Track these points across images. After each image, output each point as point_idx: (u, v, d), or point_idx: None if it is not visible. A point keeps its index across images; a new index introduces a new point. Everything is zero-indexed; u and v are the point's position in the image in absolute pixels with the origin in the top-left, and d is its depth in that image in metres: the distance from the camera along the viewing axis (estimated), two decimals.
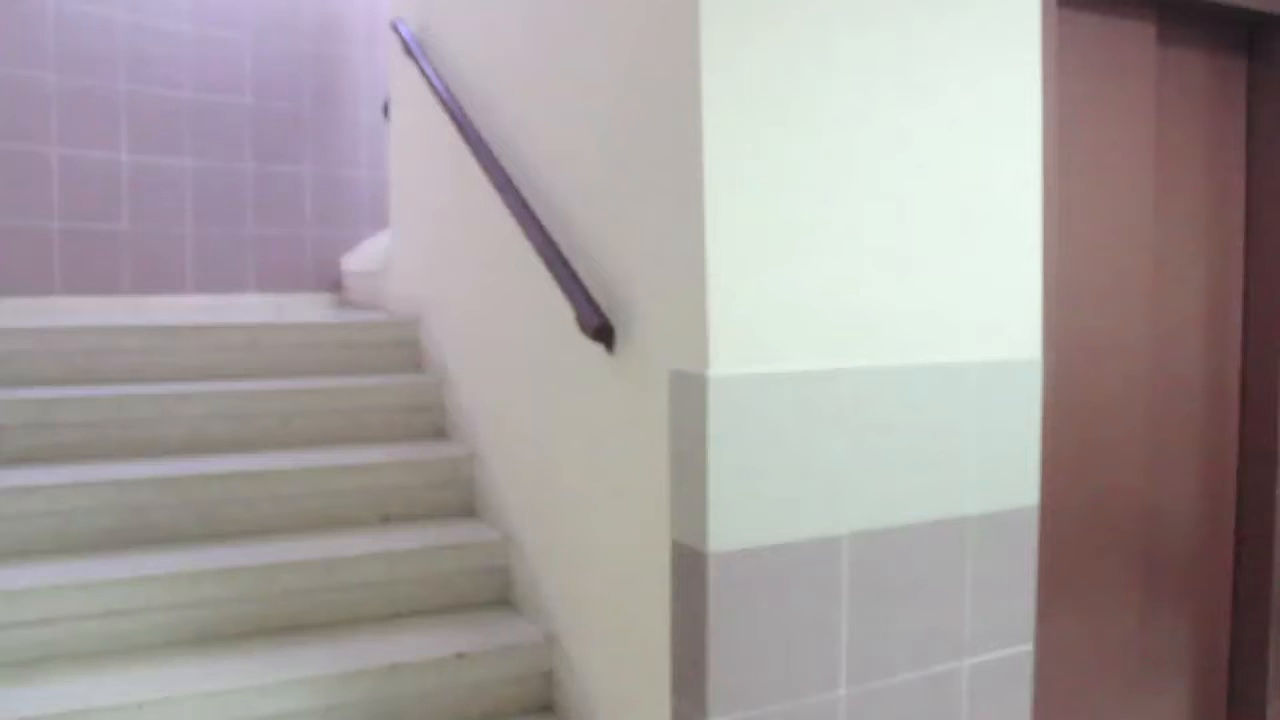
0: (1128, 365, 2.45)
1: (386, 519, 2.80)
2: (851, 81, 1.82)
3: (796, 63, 1.76)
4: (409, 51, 3.22)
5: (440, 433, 3.20)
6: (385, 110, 4.19)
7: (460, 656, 2.28)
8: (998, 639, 2.05)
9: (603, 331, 2.00)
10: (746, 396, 1.73)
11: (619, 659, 2.10)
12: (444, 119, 3.01)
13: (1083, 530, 2.40)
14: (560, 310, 2.24)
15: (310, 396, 3.00)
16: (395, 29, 3.47)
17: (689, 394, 1.75)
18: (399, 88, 3.73)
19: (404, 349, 3.39)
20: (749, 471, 1.74)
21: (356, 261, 5.60)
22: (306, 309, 4.11)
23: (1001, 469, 2.03)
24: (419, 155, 3.49)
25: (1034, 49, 2.03)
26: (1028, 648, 2.10)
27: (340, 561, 2.48)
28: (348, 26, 5.06)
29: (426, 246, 3.43)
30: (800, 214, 1.78)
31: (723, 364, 1.72)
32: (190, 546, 2.53)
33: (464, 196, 2.95)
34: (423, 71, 3.05)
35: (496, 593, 2.65)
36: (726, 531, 1.72)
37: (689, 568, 1.77)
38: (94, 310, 4.26)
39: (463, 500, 2.93)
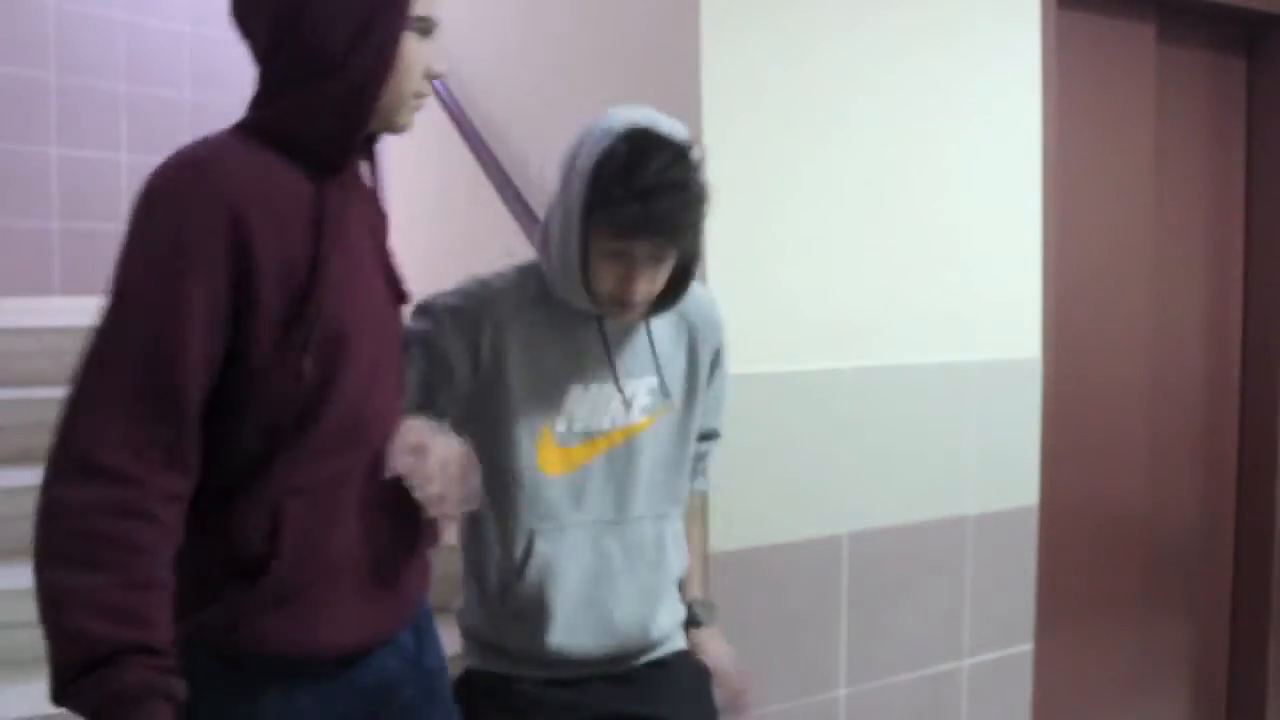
0: (1128, 365, 2.45)
1: None
2: (849, 83, 1.82)
3: (795, 67, 1.76)
4: None
5: None
6: None
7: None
8: (998, 639, 2.05)
9: None
10: (745, 397, 1.72)
11: None
12: (440, 114, 3.01)
13: (1082, 530, 2.40)
14: None
15: None
16: None
17: None
18: None
19: None
20: (749, 472, 1.73)
21: None
22: None
23: (1001, 469, 2.03)
24: (415, 151, 3.49)
25: (1033, 50, 2.04)
26: (1028, 648, 2.10)
27: None
28: None
29: (424, 244, 3.42)
30: (800, 215, 1.78)
31: None
32: None
33: (462, 192, 2.95)
34: None
35: None
36: (726, 531, 1.72)
37: None
38: (94, 310, 4.24)
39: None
